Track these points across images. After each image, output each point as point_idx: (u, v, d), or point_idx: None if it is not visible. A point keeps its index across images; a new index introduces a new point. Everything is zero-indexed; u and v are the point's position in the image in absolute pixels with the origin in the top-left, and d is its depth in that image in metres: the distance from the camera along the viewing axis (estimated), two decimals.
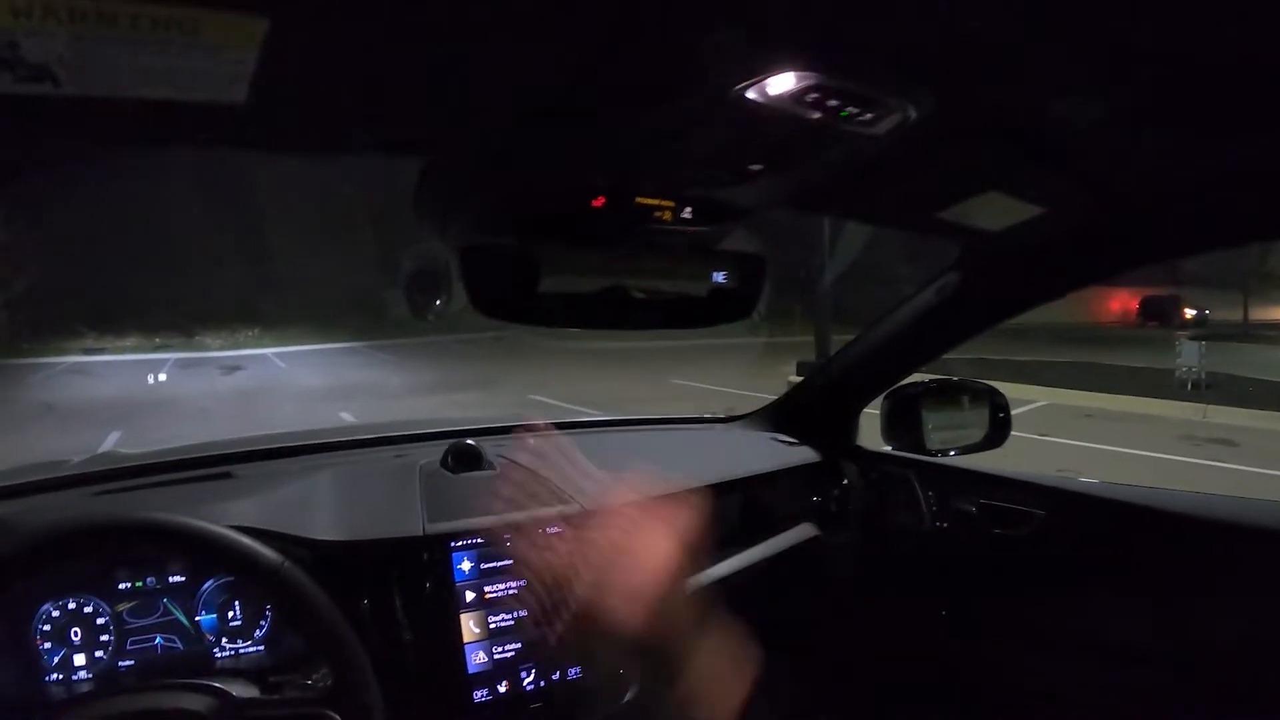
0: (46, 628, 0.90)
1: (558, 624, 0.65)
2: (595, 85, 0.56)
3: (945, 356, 1.42)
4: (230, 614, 0.98)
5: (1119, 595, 1.19)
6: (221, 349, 21.16)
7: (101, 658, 0.92)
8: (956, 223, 0.98)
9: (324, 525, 0.98)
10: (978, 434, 1.43)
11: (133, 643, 0.93)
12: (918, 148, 0.68)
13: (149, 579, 0.95)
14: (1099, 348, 16.92)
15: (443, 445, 1.21)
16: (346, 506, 1.05)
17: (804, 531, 1.40)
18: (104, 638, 0.92)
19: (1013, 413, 1.45)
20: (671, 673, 0.60)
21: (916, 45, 0.54)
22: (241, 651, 0.98)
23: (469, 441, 1.20)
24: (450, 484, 1.13)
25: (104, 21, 0.40)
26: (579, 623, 0.64)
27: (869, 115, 0.59)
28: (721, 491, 1.31)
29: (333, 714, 0.81)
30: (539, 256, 0.65)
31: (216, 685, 0.79)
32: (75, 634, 0.91)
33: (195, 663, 0.95)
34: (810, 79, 0.54)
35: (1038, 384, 10.21)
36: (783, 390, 1.90)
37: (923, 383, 1.43)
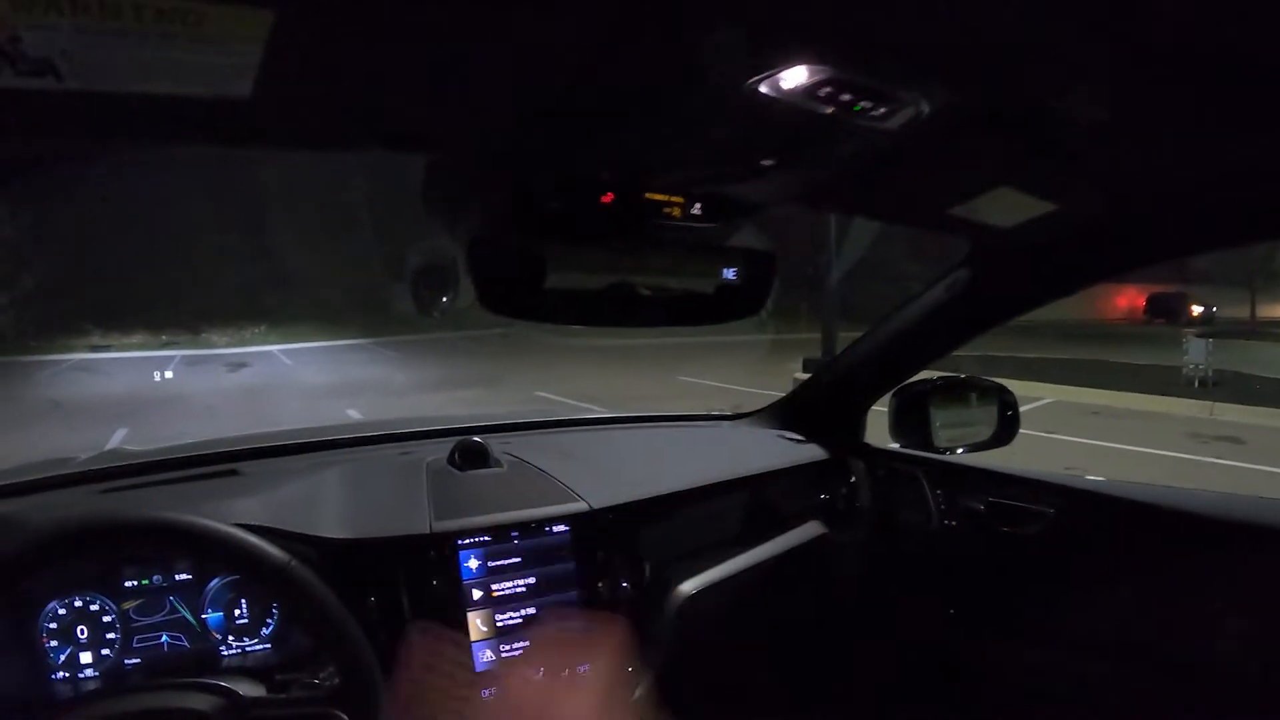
0: (53, 626, 0.90)
1: None
2: (606, 80, 0.55)
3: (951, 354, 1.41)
4: (237, 612, 0.98)
5: (1128, 595, 1.18)
6: (227, 346, 21.27)
7: (108, 656, 0.92)
8: (967, 219, 0.97)
9: (330, 523, 0.98)
10: (986, 432, 1.41)
11: (139, 641, 0.93)
12: (930, 143, 0.67)
13: (155, 577, 0.95)
14: (1106, 345, 16.86)
15: (449, 442, 1.21)
16: (353, 504, 1.05)
17: (811, 529, 1.39)
18: (110, 636, 0.92)
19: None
20: None
21: (930, 39, 0.53)
22: (248, 650, 0.98)
23: (476, 439, 1.20)
24: (457, 481, 1.13)
25: (107, 15, 0.40)
26: None
27: (882, 109, 0.59)
28: (728, 489, 1.31)
29: (340, 713, 0.81)
30: (546, 253, 0.65)
31: (223, 684, 0.79)
32: (81, 632, 0.91)
33: (202, 661, 0.95)
34: (823, 73, 0.53)
35: (1044, 381, 10.19)
36: (789, 387, 1.90)
37: (931, 380, 1.41)
